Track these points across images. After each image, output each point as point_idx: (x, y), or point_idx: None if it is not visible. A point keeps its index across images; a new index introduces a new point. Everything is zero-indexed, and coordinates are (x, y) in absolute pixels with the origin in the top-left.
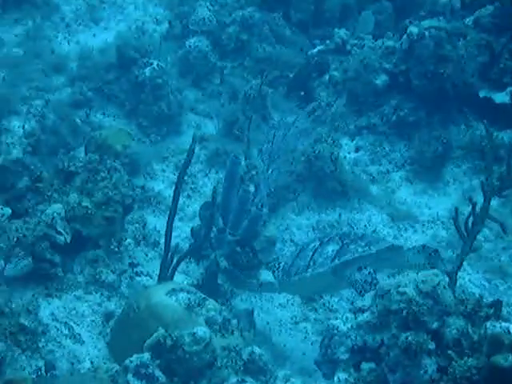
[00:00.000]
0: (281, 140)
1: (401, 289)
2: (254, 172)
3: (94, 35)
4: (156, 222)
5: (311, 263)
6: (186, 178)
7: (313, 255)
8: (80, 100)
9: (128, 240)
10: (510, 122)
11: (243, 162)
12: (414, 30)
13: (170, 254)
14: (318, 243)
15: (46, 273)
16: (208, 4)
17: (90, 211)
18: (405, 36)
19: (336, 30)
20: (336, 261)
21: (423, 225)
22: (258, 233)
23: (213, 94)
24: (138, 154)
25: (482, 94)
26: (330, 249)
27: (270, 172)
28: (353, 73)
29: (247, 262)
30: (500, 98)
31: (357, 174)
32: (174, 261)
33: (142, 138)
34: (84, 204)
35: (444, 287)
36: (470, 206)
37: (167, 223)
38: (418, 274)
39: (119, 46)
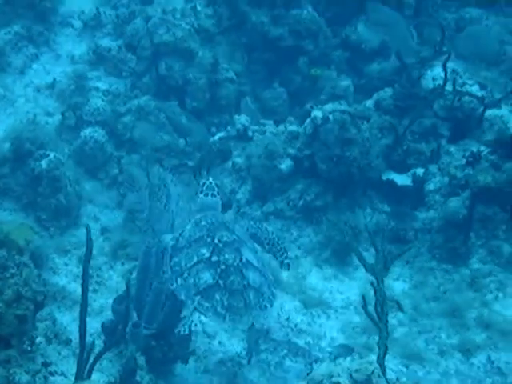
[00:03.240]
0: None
1: (334, 379)
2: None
3: None
4: (62, 318)
5: (182, 276)
6: (90, 271)
7: (191, 267)
8: None
9: (39, 338)
10: (412, 203)
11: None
12: (318, 113)
13: (85, 351)
14: (207, 255)
15: None
16: (100, 94)
17: (0, 310)
18: (308, 120)
19: (236, 116)
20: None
21: (336, 311)
22: (174, 325)
23: (111, 185)
24: (41, 249)
25: (384, 177)
26: (205, 278)
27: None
28: (256, 159)
29: (162, 357)
30: (401, 180)
31: (266, 260)
32: (91, 359)
33: (40, 231)
34: None
35: (379, 375)
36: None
37: (80, 320)
38: (350, 362)
39: (13, 138)
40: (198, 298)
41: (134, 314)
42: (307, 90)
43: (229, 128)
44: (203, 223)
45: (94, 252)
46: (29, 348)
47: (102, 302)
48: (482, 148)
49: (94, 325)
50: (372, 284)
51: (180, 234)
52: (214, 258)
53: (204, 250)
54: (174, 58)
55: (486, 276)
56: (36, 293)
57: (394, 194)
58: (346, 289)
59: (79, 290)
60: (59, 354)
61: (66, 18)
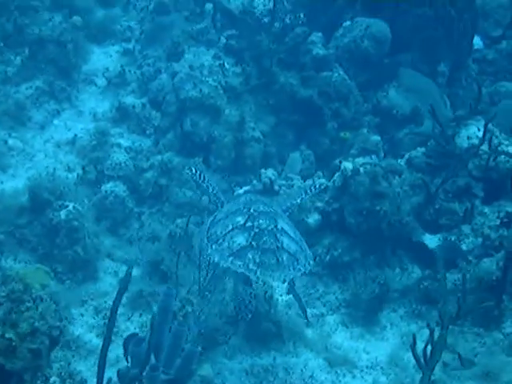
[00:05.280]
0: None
1: None
2: (189, 308)
3: (2, 182)
4: (76, 368)
5: (217, 242)
6: (106, 321)
7: (226, 234)
8: None
9: (53, 378)
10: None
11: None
12: (348, 165)
13: None
14: (241, 222)
15: None
16: (123, 151)
17: (14, 343)
18: (338, 173)
19: (263, 170)
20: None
21: (362, 370)
22: (192, 372)
23: (130, 241)
24: (57, 295)
25: (415, 238)
26: (239, 241)
27: (197, 313)
28: None
29: None
30: (433, 243)
31: (291, 317)
32: None
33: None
34: (7, 336)
35: None
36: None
37: (100, 356)
38: None
39: (32, 187)
40: (231, 258)
41: (152, 357)
42: (335, 154)
43: (254, 182)
44: (242, 199)
45: (111, 303)
46: None
47: (119, 353)
48: None
49: (108, 375)
50: (429, 326)
51: (219, 211)
52: (249, 224)
53: (239, 218)
54: (200, 114)
55: None
56: (52, 328)
57: (424, 255)
58: (373, 349)
59: (94, 341)
60: None
61: (89, 76)
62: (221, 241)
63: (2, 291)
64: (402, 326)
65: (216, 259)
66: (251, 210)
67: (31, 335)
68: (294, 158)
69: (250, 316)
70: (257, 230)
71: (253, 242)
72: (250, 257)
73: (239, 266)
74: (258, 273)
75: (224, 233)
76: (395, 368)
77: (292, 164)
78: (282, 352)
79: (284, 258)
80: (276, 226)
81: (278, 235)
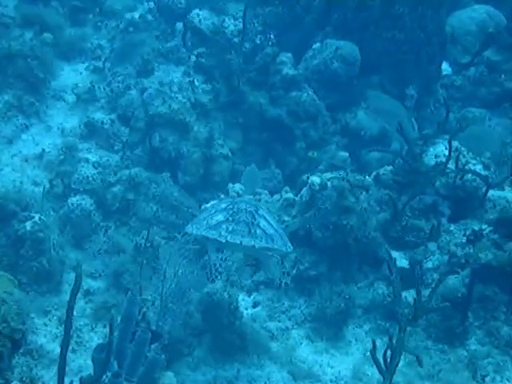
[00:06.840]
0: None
1: None
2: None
3: None
4: (38, 373)
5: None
6: (70, 331)
7: (207, 216)
8: None
9: (14, 382)
10: (409, 283)
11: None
12: (315, 179)
13: None
14: (223, 206)
15: None
16: (90, 166)
17: None
18: (306, 187)
19: (231, 184)
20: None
21: None
22: (155, 380)
23: (96, 254)
24: (21, 303)
25: (381, 255)
26: (217, 218)
27: (160, 324)
28: None
29: None
30: (399, 262)
31: (256, 329)
32: None
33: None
34: None
35: None
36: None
37: (60, 357)
38: None
39: None
40: (207, 230)
41: (115, 364)
42: (303, 173)
43: (222, 196)
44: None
45: (75, 314)
46: None
47: (81, 363)
48: (484, 226)
49: None
50: (387, 331)
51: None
52: (230, 207)
53: (222, 205)
54: (169, 130)
55: (483, 358)
56: (14, 331)
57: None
58: (337, 363)
59: (58, 350)
60: None
61: (58, 92)
62: (202, 221)
63: None
64: (367, 342)
65: (194, 231)
66: (235, 200)
67: None
68: (251, 171)
69: (218, 277)
70: (235, 210)
71: (230, 218)
72: (224, 227)
73: (213, 234)
74: (229, 237)
75: (205, 216)
76: (359, 382)
77: (248, 178)
78: (246, 364)
79: (257, 232)
80: (256, 211)
81: (256, 216)
